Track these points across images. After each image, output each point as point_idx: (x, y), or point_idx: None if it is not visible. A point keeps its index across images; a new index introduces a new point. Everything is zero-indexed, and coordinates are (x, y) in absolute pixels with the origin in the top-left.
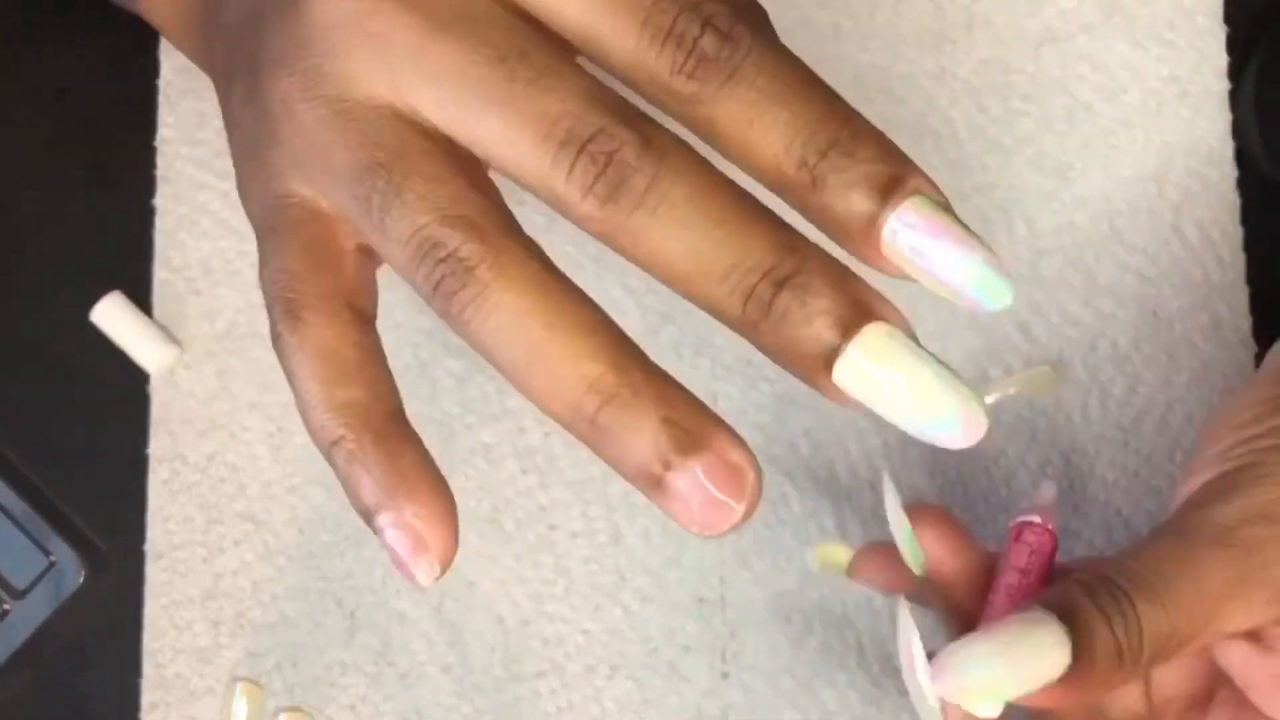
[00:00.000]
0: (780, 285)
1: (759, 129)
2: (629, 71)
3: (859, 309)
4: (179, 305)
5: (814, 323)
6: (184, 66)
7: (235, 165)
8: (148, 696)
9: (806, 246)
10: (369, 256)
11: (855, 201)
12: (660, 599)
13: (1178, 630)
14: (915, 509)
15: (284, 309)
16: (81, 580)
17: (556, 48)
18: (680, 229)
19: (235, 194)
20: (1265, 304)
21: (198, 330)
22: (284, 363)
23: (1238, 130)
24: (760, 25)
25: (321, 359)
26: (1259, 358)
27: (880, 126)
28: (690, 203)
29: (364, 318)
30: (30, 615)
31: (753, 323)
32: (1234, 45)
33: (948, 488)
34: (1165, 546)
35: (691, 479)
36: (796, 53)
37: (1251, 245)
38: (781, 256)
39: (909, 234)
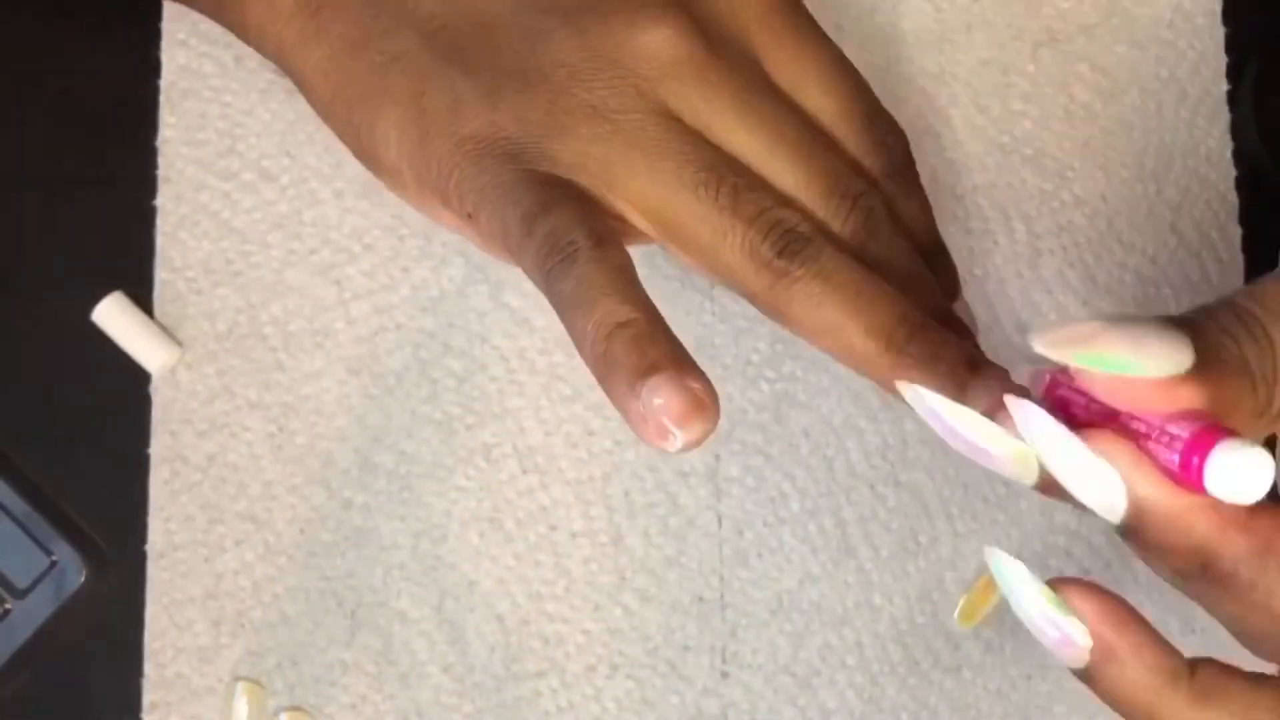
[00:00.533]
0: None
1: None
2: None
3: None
4: (180, 305)
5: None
6: (185, 67)
7: (433, 121)
8: (149, 696)
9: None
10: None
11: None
12: (660, 599)
13: None
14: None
15: (587, 234)
16: (83, 580)
17: (823, 128)
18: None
19: (236, 194)
20: None
21: (199, 330)
22: (575, 281)
23: (1236, 131)
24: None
25: (618, 270)
26: None
27: None
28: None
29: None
30: (31, 615)
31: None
32: (1233, 46)
33: (947, 487)
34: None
35: (990, 391)
36: None
37: (1250, 245)
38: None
39: None
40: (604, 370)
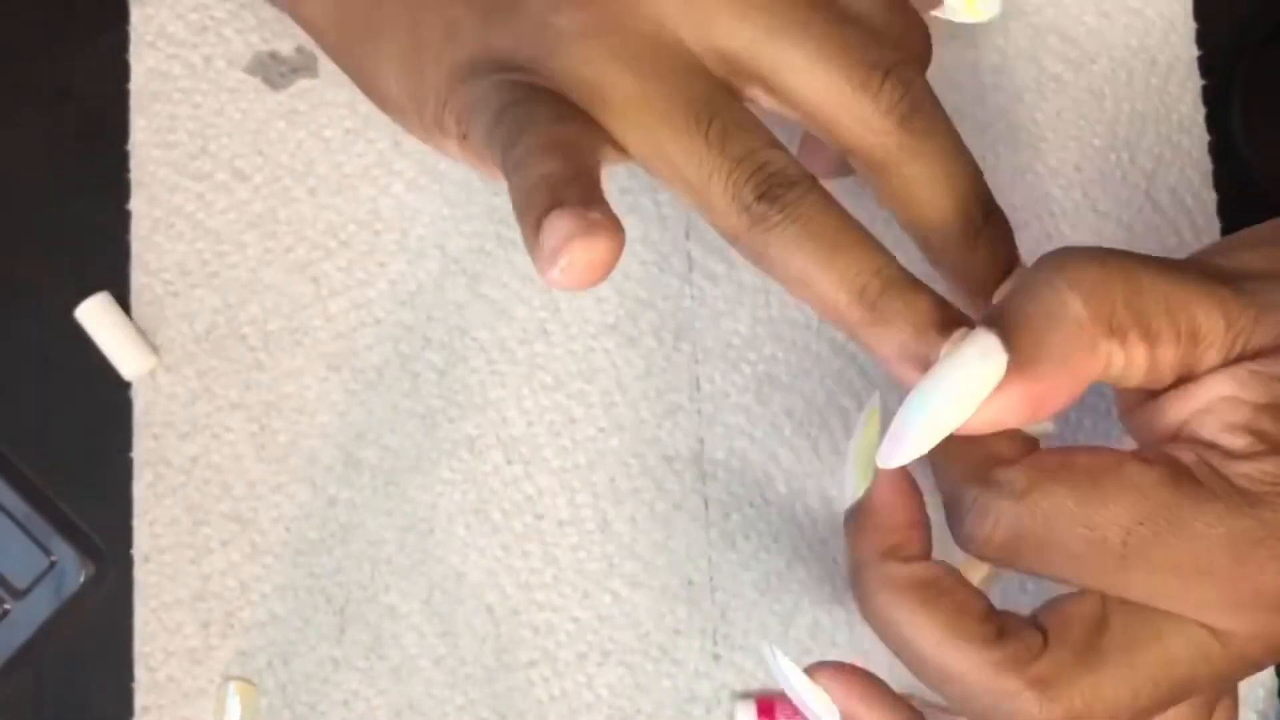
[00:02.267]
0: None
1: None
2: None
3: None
4: (158, 308)
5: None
6: (154, 69)
7: (418, 53)
8: (140, 700)
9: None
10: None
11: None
12: (649, 584)
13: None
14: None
15: (550, 112)
16: (82, 580)
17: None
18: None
19: (210, 195)
20: None
21: (177, 332)
22: (522, 148)
23: (1208, 99)
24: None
25: (565, 137)
26: None
27: None
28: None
29: (598, 152)
30: (31, 615)
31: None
32: (1201, 12)
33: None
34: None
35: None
36: None
37: (1224, 209)
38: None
39: None
40: (521, 221)
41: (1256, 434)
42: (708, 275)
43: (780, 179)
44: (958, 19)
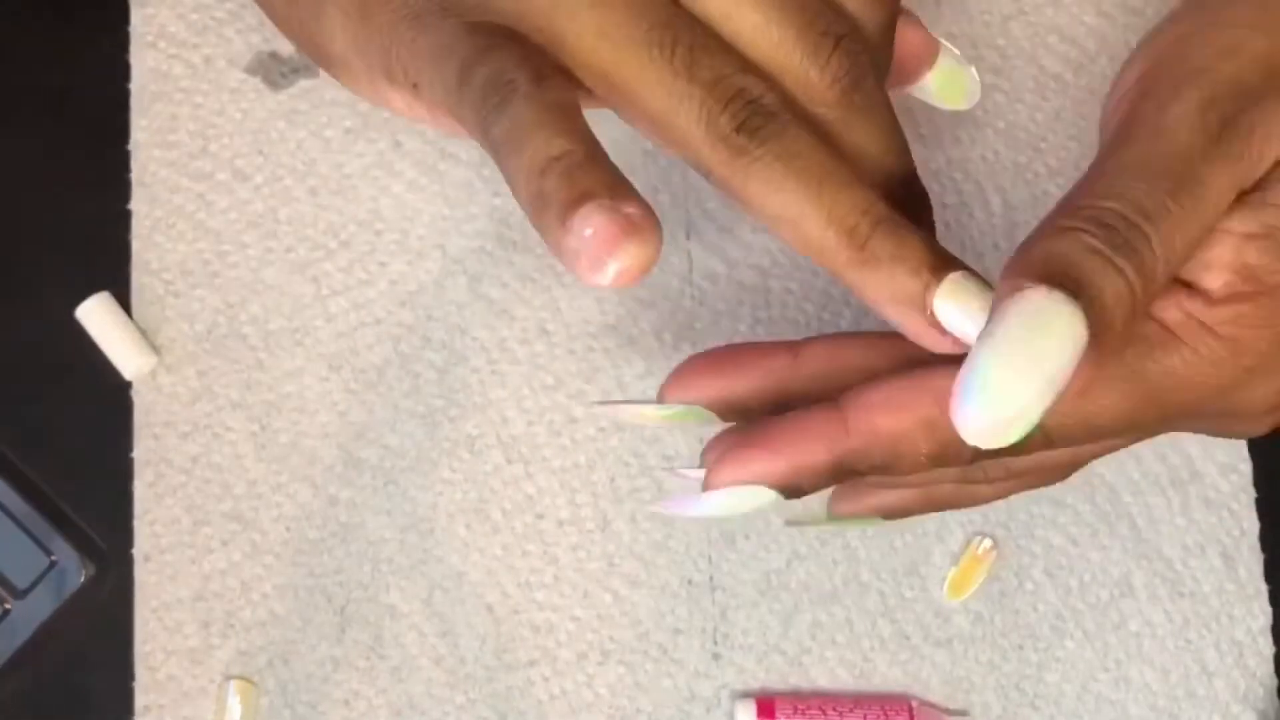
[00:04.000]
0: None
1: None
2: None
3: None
4: (158, 308)
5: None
6: (154, 69)
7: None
8: (141, 700)
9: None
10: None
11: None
12: (649, 583)
13: (1193, 238)
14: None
15: (527, 73)
16: (83, 580)
17: None
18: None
19: (210, 195)
20: None
21: (177, 333)
22: (509, 120)
23: None
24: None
25: (556, 106)
26: None
27: None
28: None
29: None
30: (31, 615)
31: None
32: None
33: None
34: (1145, 151)
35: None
36: None
37: None
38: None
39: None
40: (537, 211)
41: (1238, 270)
42: (708, 275)
43: (759, 108)
44: (932, 102)
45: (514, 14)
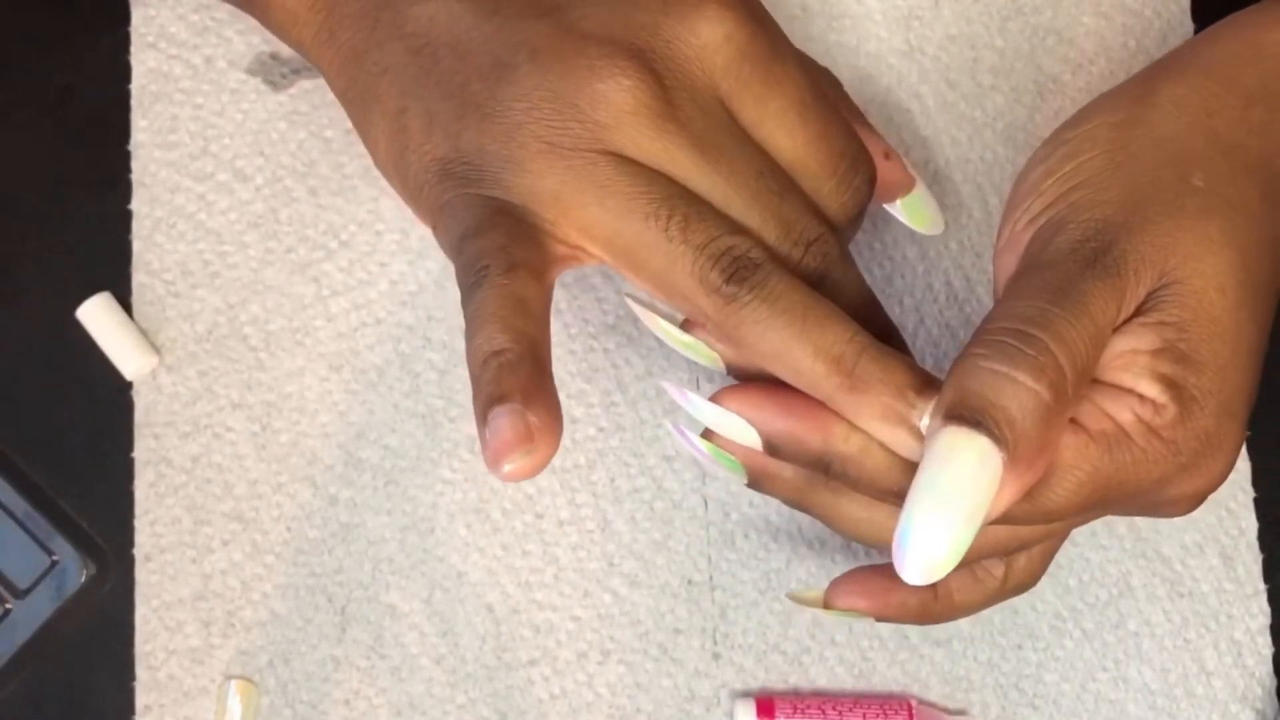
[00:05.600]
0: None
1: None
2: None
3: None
4: (159, 308)
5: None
6: (155, 70)
7: (403, 141)
8: (142, 699)
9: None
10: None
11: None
12: (649, 583)
13: (1088, 337)
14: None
15: (501, 261)
16: (83, 580)
17: (783, 171)
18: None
19: (211, 196)
20: None
21: (178, 333)
22: (474, 304)
23: None
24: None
25: (514, 299)
26: None
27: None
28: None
29: (546, 287)
30: (32, 615)
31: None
32: (1199, 12)
33: None
34: (1028, 280)
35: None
36: None
37: None
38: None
39: None
40: (473, 394)
41: (1161, 381)
42: None
43: (745, 261)
44: (903, 220)
45: (526, 195)
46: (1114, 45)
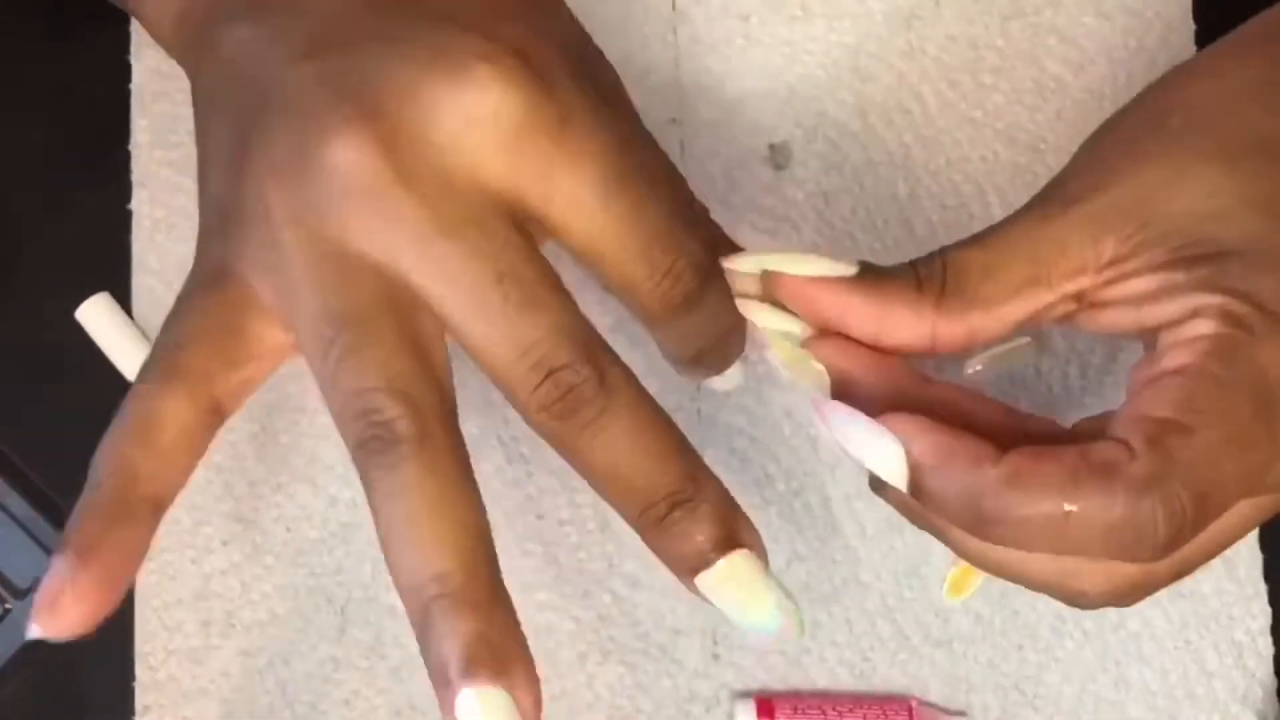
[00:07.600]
0: (675, 506)
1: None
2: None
3: (730, 537)
4: (159, 309)
5: (695, 539)
6: (156, 70)
7: (202, 169)
8: (141, 699)
9: (706, 479)
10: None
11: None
12: (649, 583)
13: (993, 267)
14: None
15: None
16: None
17: (544, 269)
18: (612, 452)
19: None
20: None
21: None
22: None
23: None
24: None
25: (124, 454)
26: None
27: (852, 105)
28: (624, 435)
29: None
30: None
31: (649, 528)
32: (1200, 12)
33: None
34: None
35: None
36: (767, 35)
37: None
38: (684, 484)
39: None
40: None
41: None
42: None
43: (389, 432)
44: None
45: (250, 280)
46: (1115, 46)
